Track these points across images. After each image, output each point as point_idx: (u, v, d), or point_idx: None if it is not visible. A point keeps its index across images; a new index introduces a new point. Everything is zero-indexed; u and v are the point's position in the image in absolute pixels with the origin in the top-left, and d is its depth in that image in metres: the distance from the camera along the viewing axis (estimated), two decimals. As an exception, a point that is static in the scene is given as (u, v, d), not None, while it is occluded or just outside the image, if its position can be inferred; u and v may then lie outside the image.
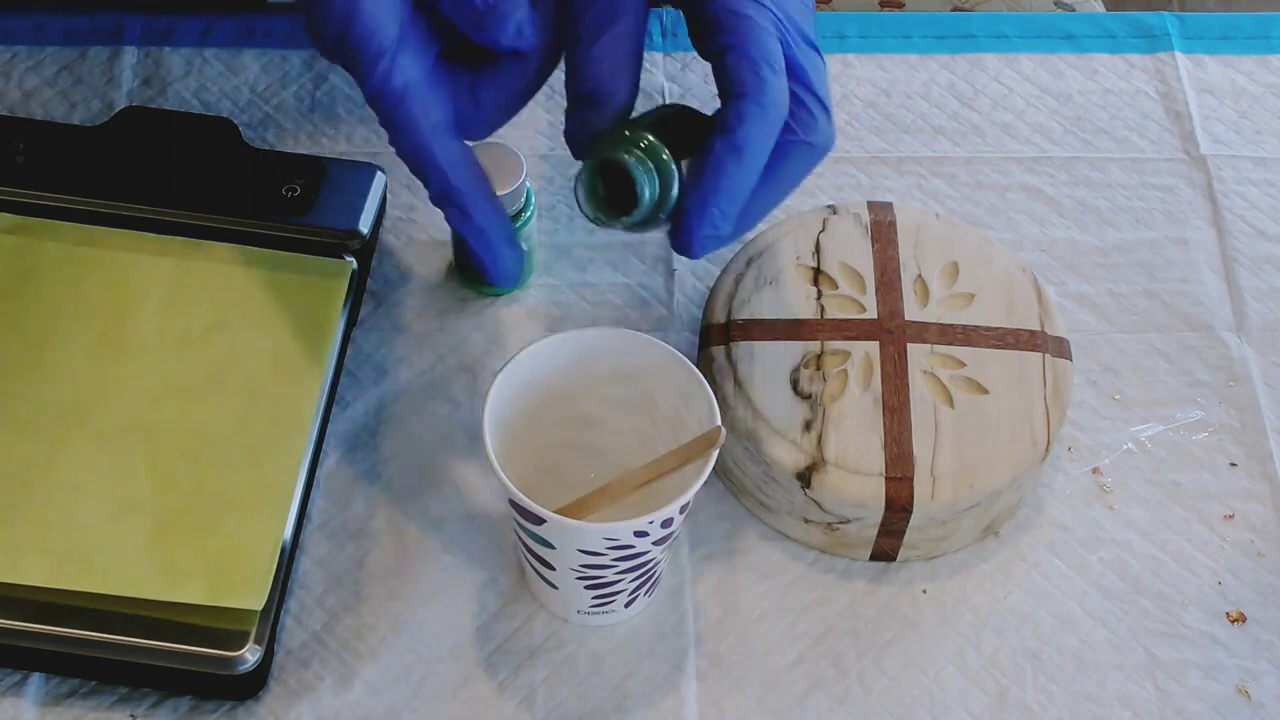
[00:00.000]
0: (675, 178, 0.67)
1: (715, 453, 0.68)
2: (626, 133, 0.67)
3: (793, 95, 0.68)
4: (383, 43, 0.66)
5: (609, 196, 0.67)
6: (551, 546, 0.68)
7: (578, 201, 0.68)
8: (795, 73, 0.68)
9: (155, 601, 0.70)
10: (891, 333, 0.78)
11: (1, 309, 0.78)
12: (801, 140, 0.68)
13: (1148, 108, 0.94)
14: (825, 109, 0.68)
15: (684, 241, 0.68)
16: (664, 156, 0.66)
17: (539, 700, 0.72)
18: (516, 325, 0.83)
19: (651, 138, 0.66)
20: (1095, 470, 0.80)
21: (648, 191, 0.66)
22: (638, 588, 0.72)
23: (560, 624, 0.74)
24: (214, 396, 0.76)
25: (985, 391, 0.76)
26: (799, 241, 0.81)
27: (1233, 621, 0.76)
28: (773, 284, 0.79)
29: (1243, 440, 0.81)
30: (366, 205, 0.82)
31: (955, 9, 1.16)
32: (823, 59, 0.70)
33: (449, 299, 0.84)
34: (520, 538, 0.71)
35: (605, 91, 0.68)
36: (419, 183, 0.87)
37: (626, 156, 0.66)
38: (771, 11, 0.68)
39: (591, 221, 0.68)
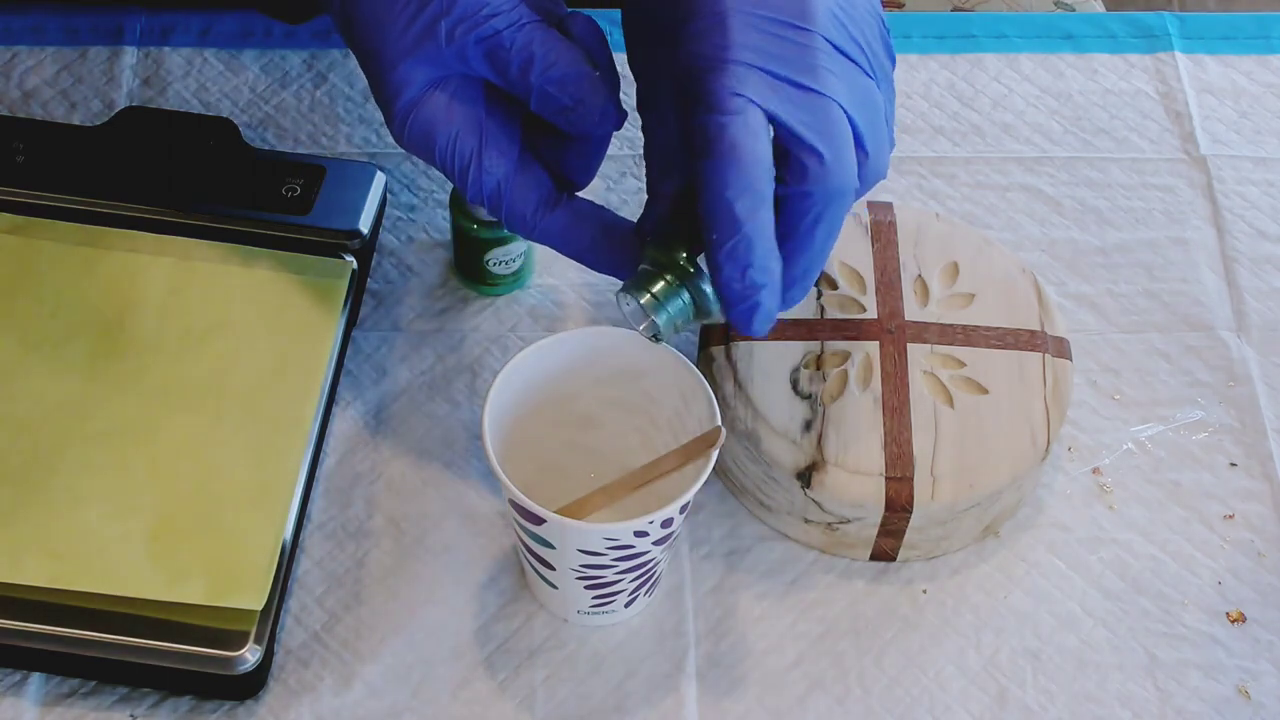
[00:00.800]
0: (704, 277, 0.66)
1: (715, 453, 0.68)
2: (653, 253, 0.67)
3: (781, 146, 0.64)
4: (464, 154, 0.68)
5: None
6: (551, 546, 0.69)
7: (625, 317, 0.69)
8: (776, 123, 0.64)
9: (155, 601, 0.70)
10: (891, 333, 0.78)
11: (1, 309, 0.78)
12: (794, 190, 0.64)
13: (1148, 108, 0.94)
14: (815, 152, 0.63)
15: (732, 324, 0.66)
16: (690, 270, 0.66)
17: (539, 700, 0.72)
18: (516, 325, 0.83)
19: (675, 250, 0.67)
20: (1095, 470, 0.80)
21: (662, 319, 0.67)
22: (638, 588, 0.72)
23: (560, 624, 0.74)
24: (214, 396, 0.76)
25: (985, 391, 0.76)
26: (799, 241, 0.81)
27: (1233, 621, 0.76)
28: (773, 284, 0.79)
29: (1243, 440, 0.81)
30: (366, 205, 0.82)
31: (955, 9, 1.16)
32: (834, 97, 0.65)
33: (449, 299, 0.84)
34: (520, 538, 0.71)
35: (650, 189, 0.70)
36: (418, 182, 0.88)
37: (635, 295, 0.67)
38: (740, 65, 0.64)
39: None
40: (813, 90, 0.65)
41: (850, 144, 0.65)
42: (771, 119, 0.64)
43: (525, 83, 0.67)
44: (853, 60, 0.67)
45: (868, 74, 0.67)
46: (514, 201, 0.69)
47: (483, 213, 0.79)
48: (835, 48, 0.66)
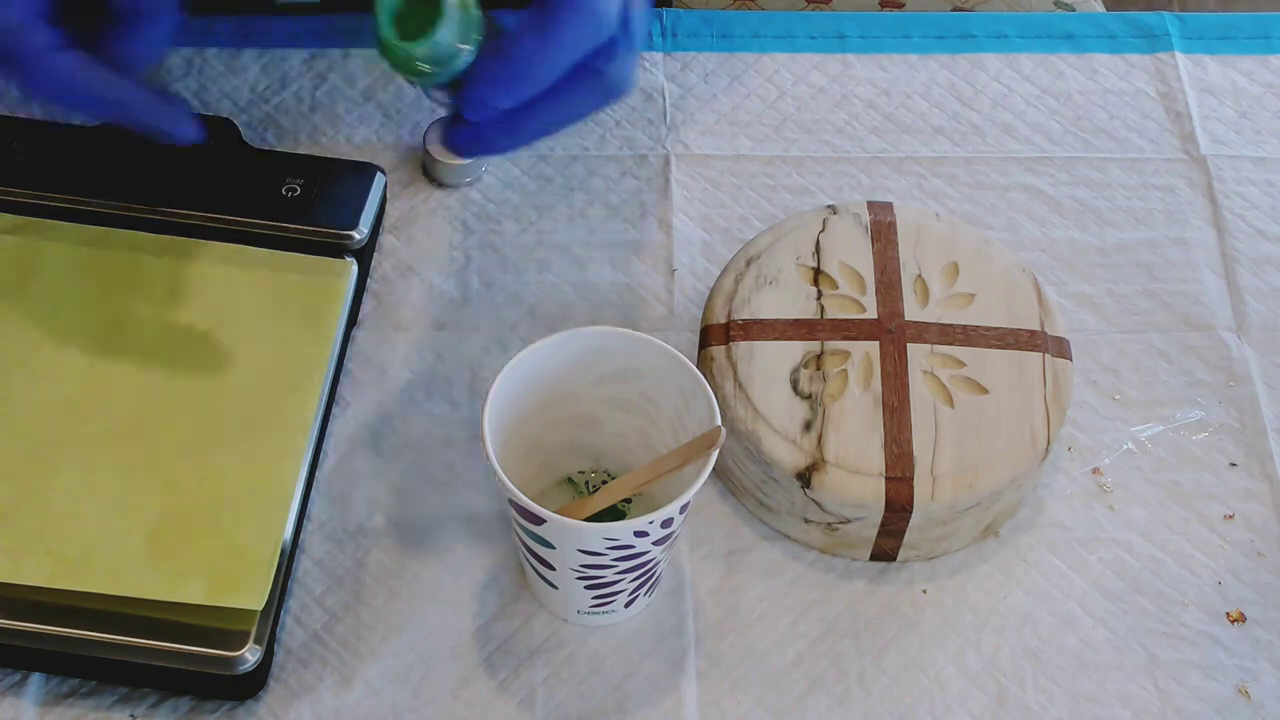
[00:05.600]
0: (479, 27, 0.67)
1: (715, 453, 0.68)
2: None
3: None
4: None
5: (409, 30, 0.67)
6: (551, 546, 0.69)
7: (376, 29, 0.68)
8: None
9: (155, 601, 0.70)
10: (891, 333, 0.78)
11: (1, 309, 0.78)
12: (595, 66, 0.68)
13: (1148, 108, 0.94)
14: (631, 45, 0.69)
15: (461, 103, 0.69)
16: (478, 9, 0.67)
17: (539, 700, 0.72)
18: (516, 325, 0.83)
19: None
20: (1095, 470, 0.80)
21: (445, 31, 0.66)
22: (638, 588, 0.72)
23: (560, 624, 0.74)
24: (214, 396, 0.76)
25: (985, 391, 0.76)
26: (799, 241, 0.81)
27: (1233, 621, 0.76)
28: (773, 284, 0.79)
29: (1243, 440, 0.81)
30: (366, 205, 0.82)
31: (955, 9, 1.16)
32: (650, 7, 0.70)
33: (449, 299, 0.84)
34: (520, 538, 0.71)
35: None
36: (419, 182, 0.88)
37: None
38: None
39: (382, 53, 0.68)
40: None
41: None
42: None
43: None
44: None
45: None
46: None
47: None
48: None
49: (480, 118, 0.69)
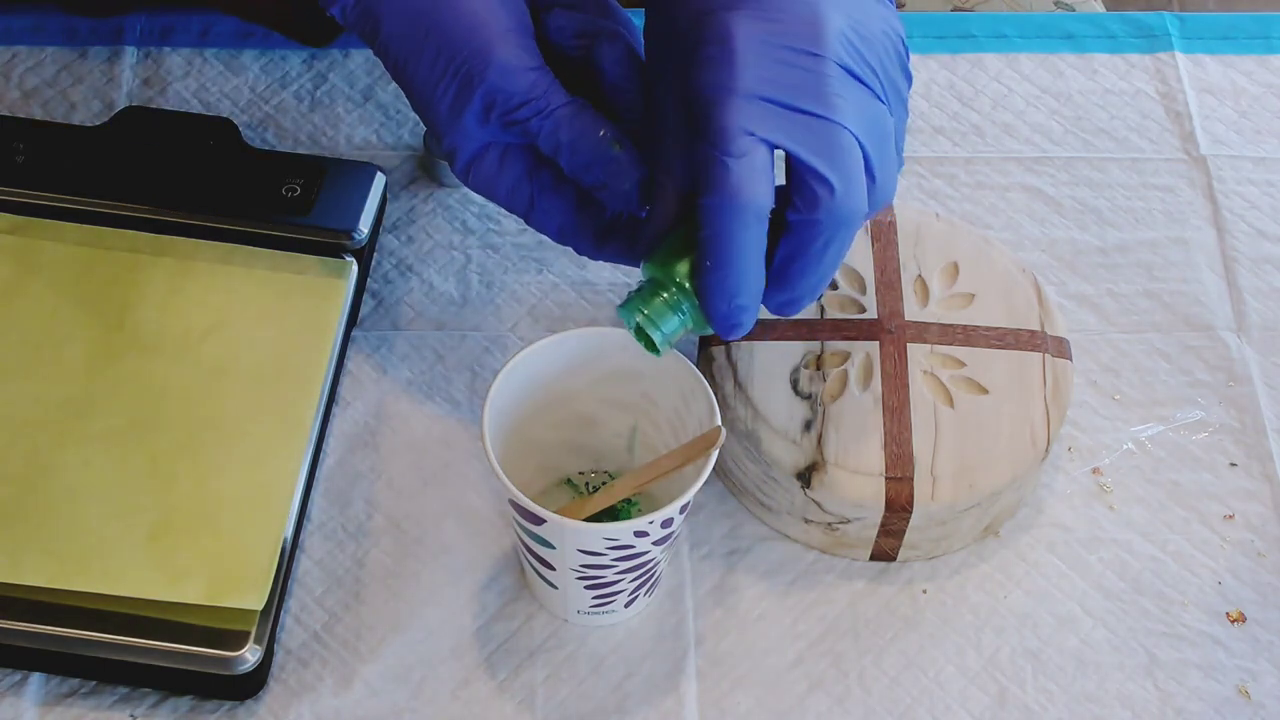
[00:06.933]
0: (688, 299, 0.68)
1: (715, 453, 0.68)
2: (652, 269, 0.68)
3: (793, 172, 0.65)
4: (523, 203, 0.72)
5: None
6: (551, 546, 0.69)
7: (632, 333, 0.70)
8: (786, 152, 0.65)
9: (155, 601, 0.70)
10: (891, 333, 0.78)
11: (1, 309, 0.78)
12: (805, 217, 0.65)
13: (1148, 108, 0.94)
14: (825, 182, 0.64)
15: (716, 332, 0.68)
16: (688, 286, 0.67)
17: (539, 700, 0.72)
18: (516, 325, 0.83)
19: (674, 266, 0.68)
20: (1095, 470, 0.80)
21: (658, 337, 0.68)
22: (638, 588, 0.72)
23: (560, 624, 0.74)
24: (214, 397, 0.76)
25: (985, 391, 0.76)
26: (799, 241, 0.81)
27: (1233, 621, 0.76)
28: (773, 284, 0.79)
29: (1243, 440, 0.81)
30: (366, 205, 0.82)
31: (955, 9, 1.16)
32: (844, 124, 0.65)
33: (449, 299, 0.84)
34: (520, 538, 0.71)
35: (654, 197, 0.70)
36: (417, 183, 0.88)
37: (629, 314, 0.68)
38: (748, 98, 0.65)
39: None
40: (823, 118, 0.65)
41: (861, 170, 0.66)
42: (781, 149, 0.65)
43: (557, 162, 0.69)
44: (865, 84, 0.67)
45: (879, 98, 0.68)
46: (576, 238, 0.72)
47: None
48: (848, 72, 0.67)
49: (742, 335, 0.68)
